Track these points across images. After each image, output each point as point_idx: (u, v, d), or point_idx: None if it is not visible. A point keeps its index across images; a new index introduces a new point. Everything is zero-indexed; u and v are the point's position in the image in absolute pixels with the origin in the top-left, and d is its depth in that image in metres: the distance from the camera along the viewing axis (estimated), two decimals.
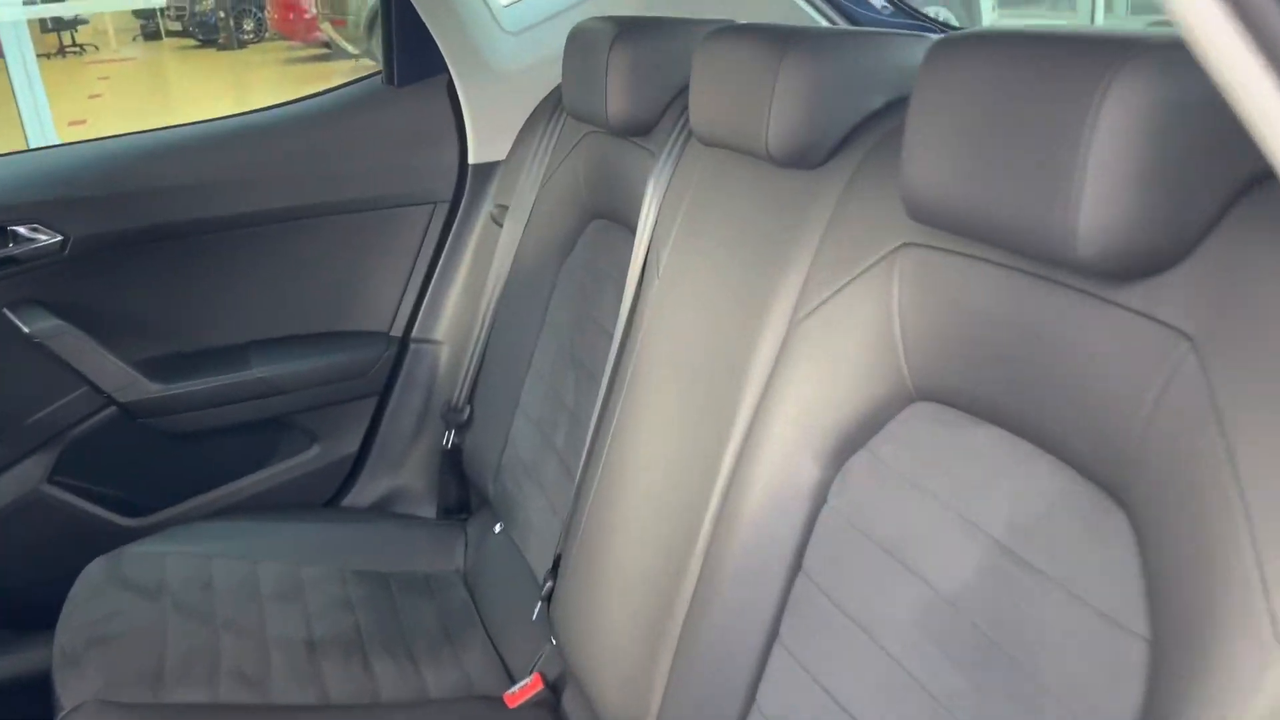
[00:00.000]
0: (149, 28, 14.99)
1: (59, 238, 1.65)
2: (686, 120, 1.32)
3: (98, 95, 10.78)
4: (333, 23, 11.47)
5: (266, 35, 13.73)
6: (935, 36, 1.06)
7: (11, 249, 1.62)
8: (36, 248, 1.64)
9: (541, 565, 1.50)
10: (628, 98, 1.35)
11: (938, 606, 0.84)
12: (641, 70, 1.35)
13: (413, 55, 1.80)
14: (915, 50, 1.03)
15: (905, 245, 0.89)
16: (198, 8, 13.78)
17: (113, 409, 1.73)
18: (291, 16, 12.33)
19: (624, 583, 1.19)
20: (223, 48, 13.66)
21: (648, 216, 1.33)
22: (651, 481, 1.17)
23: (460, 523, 1.82)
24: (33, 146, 1.77)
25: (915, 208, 0.81)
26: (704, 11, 1.46)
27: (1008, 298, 0.78)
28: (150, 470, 1.80)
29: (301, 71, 11.66)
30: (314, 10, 12.04)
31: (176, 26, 14.59)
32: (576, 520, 1.35)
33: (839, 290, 0.96)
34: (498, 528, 1.68)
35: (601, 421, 1.35)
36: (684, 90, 1.38)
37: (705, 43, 1.14)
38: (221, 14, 13.61)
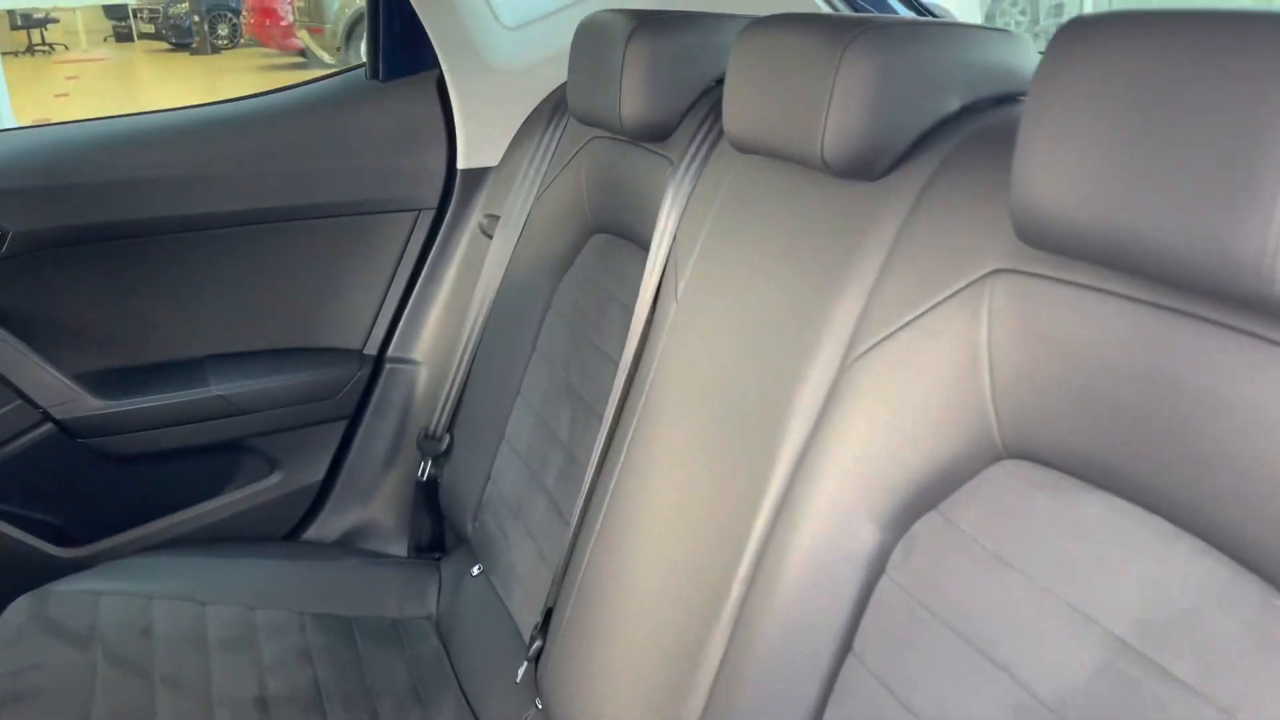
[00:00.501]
0: (121, 29, 14.77)
1: None
2: (713, 124, 1.18)
3: (64, 95, 10.59)
4: (310, 31, 11.28)
5: (241, 41, 13.55)
6: (1020, 32, 0.92)
7: None
8: None
9: (527, 617, 1.34)
10: (645, 98, 1.21)
11: (1034, 711, 0.69)
12: (662, 67, 1.20)
13: (401, 48, 1.65)
14: (998, 46, 0.89)
15: (998, 272, 0.74)
16: (172, 10, 13.57)
17: (49, 426, 1.56)
18: (268, 23, 12.13)
19: (630, 651, 1.03)
20: (196, 52, 13.47)
21: (664, 232, 1.18)
22: (667, 535, 1.01)
23: (434, 562, 1.65)
24: None
25: (1030, 227, 0.66)
26: (718, 7, 1.33)
27: (1147, 340, 0.63)
28: (89, 496, 1.63)
29: (276, 79, 11.41)
30: (291, 17, 11.85)
31: (150, 29, 14.38)
32: (572, 572, 1.18)
33: (908, 324, 0.81)
34: (476, 569, 1.52)
35: (604, 461, 1.19)
36: (708, 91, 1.24)
37: (747, 34, 0.99)
38: (196, 18, 13.40)
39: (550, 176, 1.51)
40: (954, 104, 0.87)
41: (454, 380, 1.62)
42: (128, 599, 1.39)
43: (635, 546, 1.05)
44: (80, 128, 1.59)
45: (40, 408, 1.54)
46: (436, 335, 1.75)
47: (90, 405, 1.56)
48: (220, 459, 1.70)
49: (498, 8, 1.66)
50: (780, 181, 1.00)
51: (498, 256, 1.58)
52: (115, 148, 1.56)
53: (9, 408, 1.53)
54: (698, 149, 1.17)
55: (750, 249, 1.01)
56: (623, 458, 1.14)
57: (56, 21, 13.95)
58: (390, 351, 1.77)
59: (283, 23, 12.01)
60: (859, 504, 0.82)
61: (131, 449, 1.61)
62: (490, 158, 1.70)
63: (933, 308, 0.79)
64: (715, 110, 1.19)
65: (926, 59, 0.86)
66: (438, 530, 1.70)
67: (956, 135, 0.86)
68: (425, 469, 1.65)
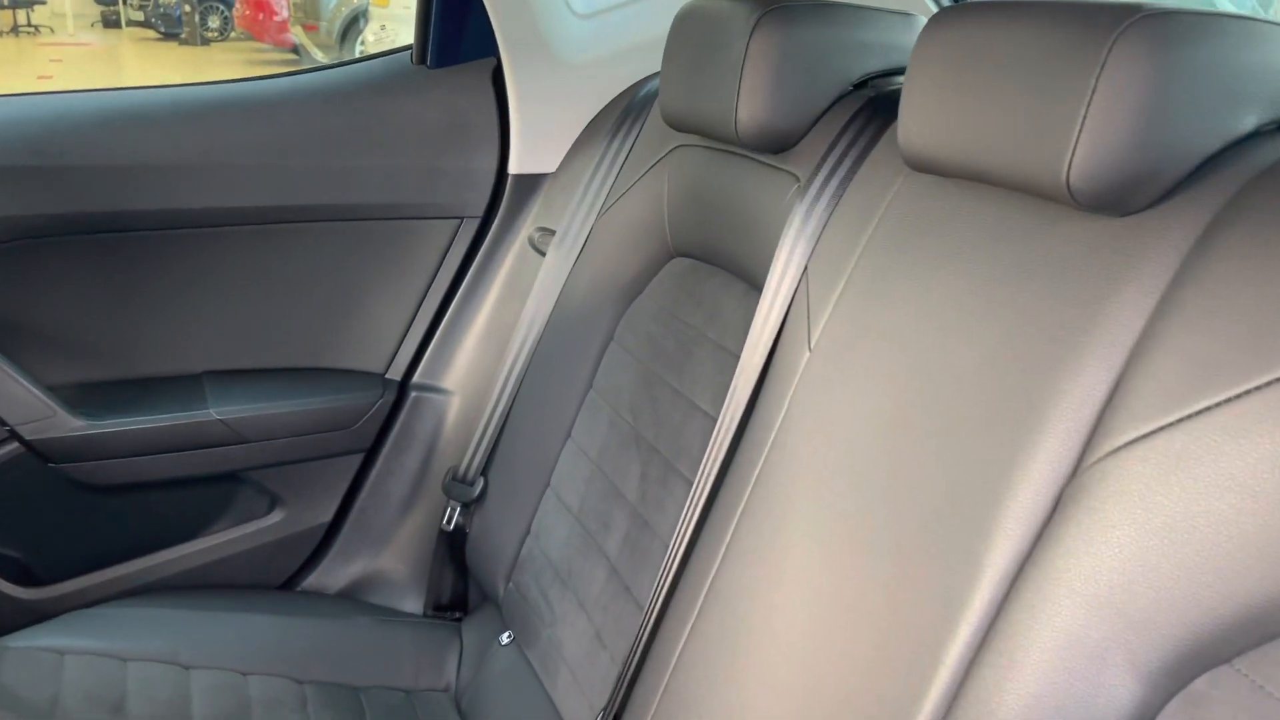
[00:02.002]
0: (110, 15, 14.53)
1: None
2: (856, 136, 0.97)
3: (47, 77, 10.36)
4: (305, 27, 11.03)
5: (232, 34, 13.32)
6: None
7: None
8: None
9: (577, 708, 1.13)
10: (770, 101, 1.00)
11: None
12: (794, 66, 1.00)
13: (455, 30, 1.44)
14: None
15: None
16: None
17: (16, 447, 1.33)
18: (261, 17, 11.85)
19: None
20: (184, 43, 13.22)
21: (788, 264, 0.98)
22: (808, 653, 0.80)
23: (454, 624, 1.44)
24: None
25: None
26: None
27: None
28: (58, 529, 1.40)
29: (266, 73, 11.22)
30: (285, 13, 11.60)
31: (139, 17, 14.14)
32: (652, 673, 0.97)
33: (1197, 414, 0.60)
34: (505, 637, 1.31)
35: (700, 537, 0.98)
36: (843, 96, 1.04)
37: (940, 24, 0.79)
38: (187, 7, 13.16)
39: (621, 188, 1.31)
40: (1248, 122, 0.67)
41: (491, 415, 1.41)
42: (98, 660, 1.18)
43: (756, 660, 0.84)
44: (76, 99, 1.37)
45: (7, 425, 1.32)
46: (473, 361, 1.54)
47: (66, 424, 1.33)
48: (213, 493, 1.48)
49: None
50: (980, 210, 0.79)
51: (551, 276, 1.38)
52: (117, 125, 1.34)
53: None
54: (836, 165, 0.97)
55: (931, 295, 0.80)
56: (728, 539, 0.92)
57: (44, 3, 13.69)
58: (417, 378, 1.56)
59: (277, 17, 11.74)
60: (1112, 646, 0.62)
61: (112, 477, 1.38)
62: (548, 163, 1.50)
63: (1242, 395, 0.59)
64: (857, 119, 0.99)
65: (1221, 61, 0.66)
66: (460, 587, 1.50)
67: (1252, 163, 0.66)
68: (452, 516, 1.44)
